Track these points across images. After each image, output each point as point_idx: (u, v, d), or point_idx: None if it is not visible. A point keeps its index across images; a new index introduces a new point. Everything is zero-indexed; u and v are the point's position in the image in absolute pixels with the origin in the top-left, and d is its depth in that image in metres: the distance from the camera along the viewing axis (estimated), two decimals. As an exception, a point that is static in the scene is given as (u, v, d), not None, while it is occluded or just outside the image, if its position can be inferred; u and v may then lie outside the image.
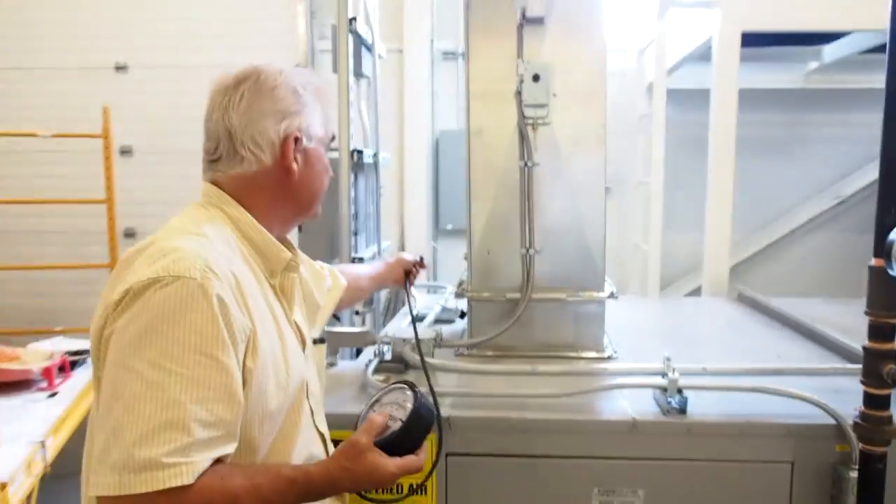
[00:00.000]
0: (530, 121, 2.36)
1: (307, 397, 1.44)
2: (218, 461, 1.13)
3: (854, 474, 1.72)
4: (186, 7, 6.15)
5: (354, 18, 3.02)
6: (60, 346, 3.93)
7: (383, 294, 4.34)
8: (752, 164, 5.52)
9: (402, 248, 6.00)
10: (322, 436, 1.49)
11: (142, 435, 1.06)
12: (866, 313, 1.62)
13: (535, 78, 2.30)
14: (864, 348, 1.62)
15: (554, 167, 2.41)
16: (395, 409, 1.35)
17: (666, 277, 5.28)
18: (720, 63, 3.89)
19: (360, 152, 3.04)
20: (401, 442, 1.30)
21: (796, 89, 5.86)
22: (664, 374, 1.93)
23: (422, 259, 2.53)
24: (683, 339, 2.91)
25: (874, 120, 6.13)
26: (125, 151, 6.27)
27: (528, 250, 2.41)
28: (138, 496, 1.05)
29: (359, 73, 3.32)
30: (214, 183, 1.39)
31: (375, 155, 3.34)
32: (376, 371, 2.18)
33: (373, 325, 3.48)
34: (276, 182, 1.39)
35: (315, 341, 1.62)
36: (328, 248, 3.13)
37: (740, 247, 6.00)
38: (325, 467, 1.25)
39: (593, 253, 2.44)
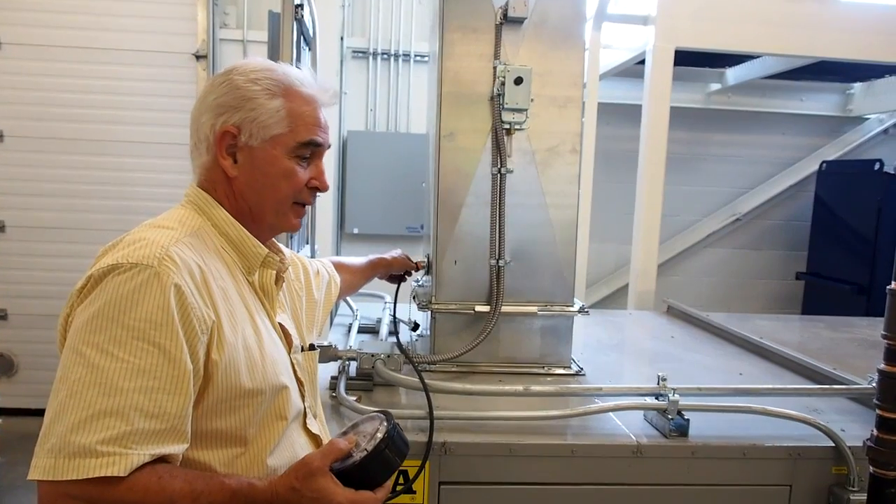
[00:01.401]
0: (507, 125, 2.25)
1: (302, 399, 1.41)
2: (162, 460, 1.10)
3: (852, 496, 1.73)
4: (73, -19, 5.60)
5: (301, 6, 2.80)
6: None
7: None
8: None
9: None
10: (317, 439, 1.44)
11: (80, 420, 1.05)
12: (883, 337, 1.62)
13: (518, 81, 2.19)
14: (881, 371, 1.62)
15: (527, 175, 2.31)
16: (365, 439, 1.24)
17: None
18: (654, 78, 3.94)
19: (301, 150, 2.83)
20: (358, 474, 1.19)
21: (698, 108, 6.08)
22: (658, 395, 1.87)
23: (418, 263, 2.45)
24: (641, 356, 2.90)
25: (770, 141, 6.48)
26: (-6, 137, 5.64)
27: (497, 261, 2.30)
28: (69, 483, 1.03)
29: (298, 67, 3.09)
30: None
31: (313, 153, 3.13)
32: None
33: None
34: (222, 180, 1.36)
35: (306, 348, 1.55)
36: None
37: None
38: (272, 484, 1.17)
39: (564, 266, 2.37)
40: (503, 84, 2.21)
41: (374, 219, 6.01)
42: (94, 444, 1.03)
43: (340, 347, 2.12)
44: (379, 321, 2.83)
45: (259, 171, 1.33)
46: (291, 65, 2.75)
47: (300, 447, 1.37)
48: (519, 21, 2.26)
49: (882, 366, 1.62)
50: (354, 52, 6.15)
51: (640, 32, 4.22)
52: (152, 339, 1.10)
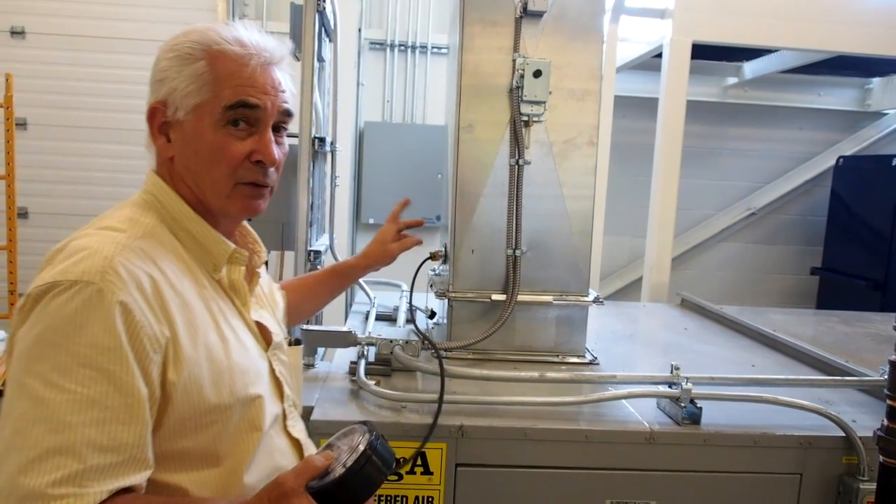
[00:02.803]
0: (525, 117, 2.28)
1: (281, 400, 1.32)
2: (128, 490, 1.01)
3: (862, 486, 1.76)
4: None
5: (324, -4, 2.83)
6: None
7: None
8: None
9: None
10: (298, 443, 1.35)
11: (28, 461, 0.95)
12: (895, 328, 1.64)
13: (537, 73, 2.22)
14: (892, 363, 1.65)
15: (544, 167, 2.35)
16: (346, 454, 1.11)
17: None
18: (671, 72, 3.95)
19: (321, 140, 2.87)
20: (338, 492, 1.07)
21: (714, 102, 6.07)
22: (671, 384, 1.91)
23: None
24: (654, 347, 2.93)
25: (787, 136, 6.46)
26: (19, 124, 5.71)
27: (514, 251, 2.34)
28: None
29: (319, 58, 3.13)
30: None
31: (332, 143, 3.17)
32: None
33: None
34: (167, 162, 1.24)
35: (290, 343, 1.50)
36: (280, 240, 2.95)
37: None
38: None
39: (579, 256, 2.40)
40: (522, 77, 2.24)
41: (390, 209, 5.95)
42: (45, 488, 0.94)
43: (359, 334, 2.17)
44: (396, 309, 2.88)
45: (189, 147, 1.19)
46: (314, 56, 2.78)
47: (280, 454, 1.28)
48: (538, 14, 2.29)
49: (893, 357, 1.65)
50: (372, 43, 6.17)
51: (658, 26, 4.24)
52: (99, 365, 0.99)
